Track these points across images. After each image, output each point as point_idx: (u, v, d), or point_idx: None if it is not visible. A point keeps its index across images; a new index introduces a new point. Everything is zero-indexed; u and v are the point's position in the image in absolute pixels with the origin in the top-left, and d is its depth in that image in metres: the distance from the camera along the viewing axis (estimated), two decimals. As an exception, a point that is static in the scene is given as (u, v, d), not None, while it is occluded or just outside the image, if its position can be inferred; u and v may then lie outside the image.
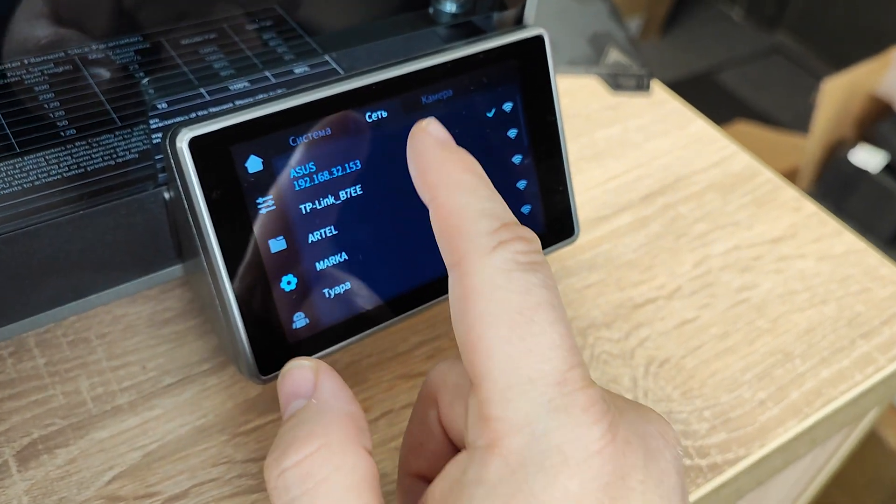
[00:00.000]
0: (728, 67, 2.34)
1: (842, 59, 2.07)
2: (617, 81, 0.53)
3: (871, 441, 1.08)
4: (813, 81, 2.17)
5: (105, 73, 0.33)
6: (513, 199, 0.34)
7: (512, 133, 0.33)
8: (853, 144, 1.50)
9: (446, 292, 0.33)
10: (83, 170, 0.29)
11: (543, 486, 0.20)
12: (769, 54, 2.41)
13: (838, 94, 1.46)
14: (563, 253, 0.42)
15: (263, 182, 0.28)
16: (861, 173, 1.47)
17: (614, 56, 0.55)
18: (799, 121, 2.09)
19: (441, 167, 0.24)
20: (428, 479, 0.26)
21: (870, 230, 1.44)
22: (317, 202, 0.29)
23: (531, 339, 0.21)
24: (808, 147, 1.49)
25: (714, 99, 2.22)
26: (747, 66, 2.36)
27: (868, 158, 1.47)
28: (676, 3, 2.41)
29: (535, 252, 0.23)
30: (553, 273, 0.23)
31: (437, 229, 0.24)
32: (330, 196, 0.30)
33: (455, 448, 0.26)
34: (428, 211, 0.31)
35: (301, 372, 0.25)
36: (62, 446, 0.32)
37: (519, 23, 0.35)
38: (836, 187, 1.49)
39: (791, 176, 1.52)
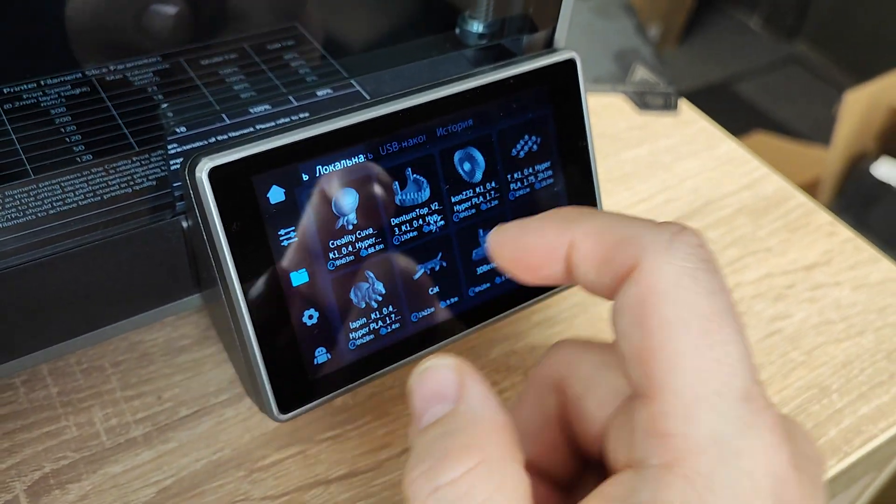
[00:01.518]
0: (746, 77, 2.33)
1: (862, 70, 2.04)
2: (644, 100, 0.52)
3: None
4: (832, 92, 2.15)
5: (123, 96, 0.32)
6: (542, 228, 0.33)
7: (542, 160, 0.32)
8: (875, 157, 1.48)
9: (473, 325, 0.32)
10: (100, 198, 0.28)
11: None
12: (788, 64, 2.39)
13: (860, 107, 1.44)
14: (591, 280, 0.41)
15: (286, 213, 0.27)
16: (883, 187, 1.45)
17: (641, 73, 0.54)
18: (818, 132, 2.07)
19: (556, 217, 0.22)
20: (529, 469, 0.23)
21: (892, 245, 1.41)
22: (341, 235, 0.28)
23: (721, 347, 0.19)
24: (830, 160, 1.47)
25: (732, 109, 2.20)
26: (766, 75, 2.34)
27: (890, 172, 1.45)
28: (694, 12, 2.39)
29: (706, 244, 0.20)
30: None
31: (591, 262, 0.21)
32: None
33: (571, 443, 0.23)
34: (452, 241, 0.29)
35: (443, 373, 0.21)
36: (74, 481, 0.31)
37: (549, 45, 0.34)
38: (857, 201, 1.47)
39: (811, 188, 1.50)
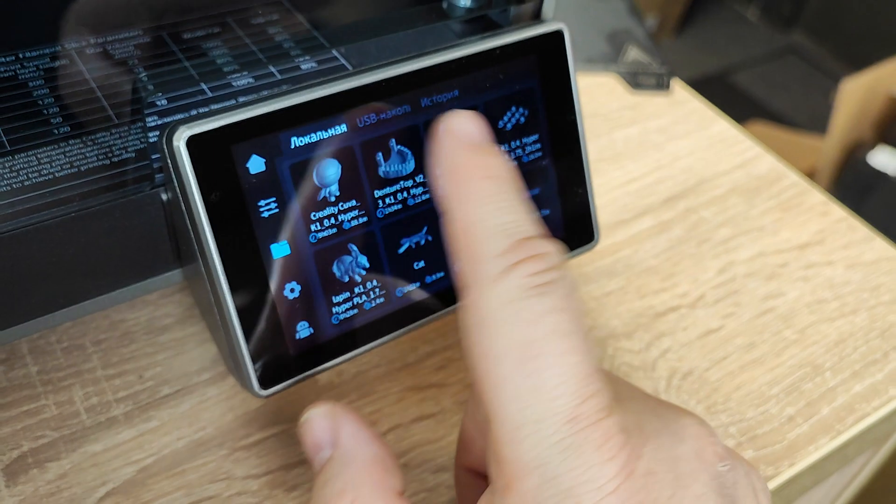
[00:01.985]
0: (743, 68, 2.32)
1: (858, 60, 2.04)
2: (636, 80, 0.51)
3: None
4: (829, 82, 2.14)
5: (103, 69, 0.31)
6: (529, 202, 0.32)
7: (529, 132, 0.32)
8: (872, 146, 1.47)
9: (458, 300, 0.31)
10: (76, 169, 0.28)
11: None
12: (785, 55, 2.38)
13: (857, 95, 1.43)
14: (582, 259, 0.40)
15: (266, 184, 0.27)
16: (880, 175, 1.44)
17: (633, 54, 0.53)
18: (815, 122, 2.07)
19: (459, 174, 0.23)
20: (479, 474, 0.26)
21: (889, 233, 1.41)
22: (323, 206, 0.28)
23: (537, 375, 0.20)
24: (826, 148, 1.47)
25: (729, 99, 2.19)
26: (763, 66, 2.33)
27: (887, 160, 1.44)
28: (691, 2, 2.38)
29: (551, 269, 0.21)
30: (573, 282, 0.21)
31: (450, 247, 0.22)
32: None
33: None
34: (438, 215, 0.29)
35: (318, 422, 0.24)
36: (53, 460, 0.30)
37: (537, 17, 0.33)
38: (854, 189, 1.47)
39: (809, 177, 1.50)
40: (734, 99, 2.19)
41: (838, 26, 2.27)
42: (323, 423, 0.24)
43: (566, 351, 0.20)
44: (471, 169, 0.23)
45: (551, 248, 0.21)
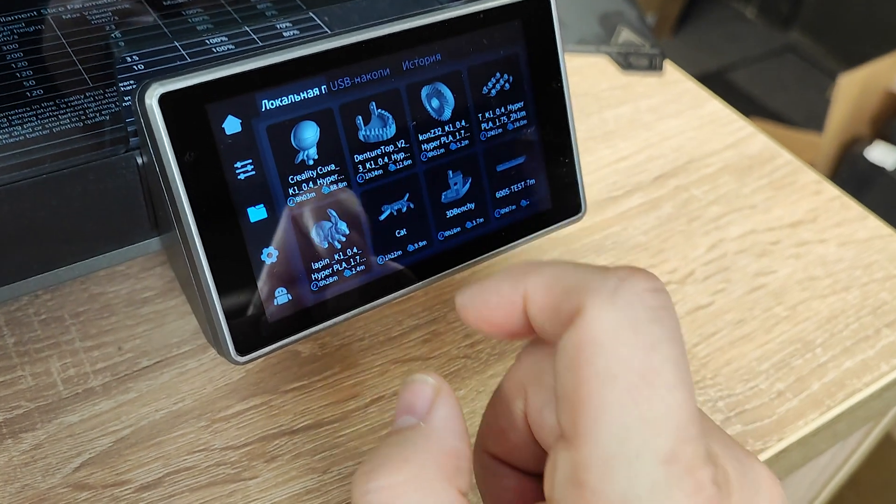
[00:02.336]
0: (741, 66, 2.31)
1: (856, 59, 2.03)
2: (628, 60, 0.51)
3: (887, 443, 1.05)
4: (827, 81, 2.14)
5: (79, 34, 0.31)
6: (515, 173, 0.32)
7: (514, 100, 0.31)
8: (869, 141, 1.47)
9: (442, 270, 0.31)
10: (48, 131, 0.27)
11: None
12: (782, 53, 2.38)
13: (854, 91, 1.43)
14: (570, 234, 0.40)
15: (242, 145, 0.26)
16: (877, 170, 1.44)
17: (626, 36, 0.52)
18: (812, 120, 2.06)
19: (510, 273, 0.22)
20: (505, 463, 0.25)
21: (886, 229, 1.41)
22: (301, 169, 0.27)
23: (647, 405, 0.18)
24: (823, 144, 1.46)
25: (727, 97, 2.18)
26: (760, 64, 2.33)
27: (884, 156, 1.44)
28: (689, 1, 2.38)
29: (662, 291, 0.20)
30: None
31: (543, 312, 0.21)
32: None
33: (538, 445, 0.24)
34: (420, 181, 0.29)
35: (422, 387, 0.23)
36: (28, 430, 0.30)
37: (523, -16, 0.33)
38: (851, 184, 1.46)
39: (805, 174, 1.49)
40: (732, 97, 2.18)
41: (836, 25, 2.27)
42: (426, 390, 0.23)
43: (677, 385, 0.19)
44: (513, 269, 0.22)
45: (647, 271, 0.21)
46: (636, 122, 0.47)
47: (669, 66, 0.52)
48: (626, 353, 0.19)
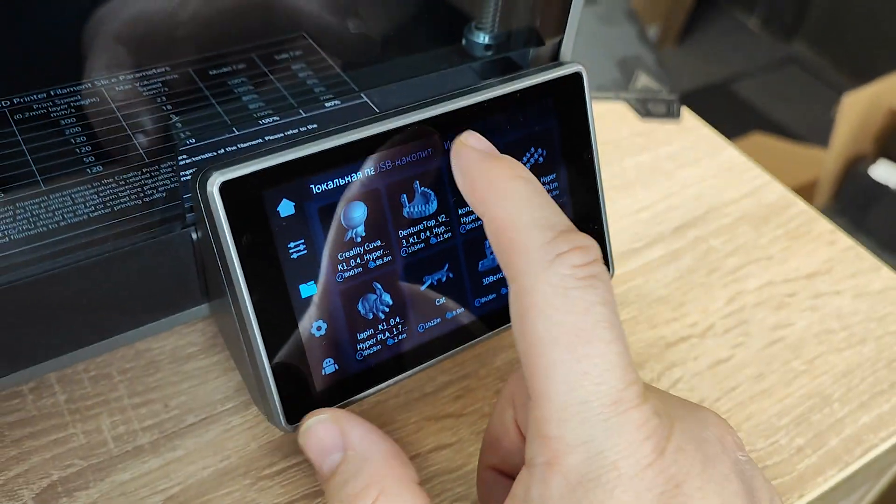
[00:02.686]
0: (744, 77, 2.33)
1: (860, 71, 2.05)
2: (646, 107, 0.52)
3: None
4: (830, 93, 2.15)
5: (132, 106, 0.32)
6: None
7: (547, 172, 0.32)
8: (873, 159, 1.48)
9: (478, 335, 0.32)
10: (110, 209, 0.29)
11: (601, 500, 0.21)
12: (786, 65, 2.39)
13: (859, 108, 1.44)
14: (594, 288, 0.41)
15: (295, 226, 0.27)
16: (881, 188, 1.45)
17: (643, 81, 0.54)
18: (815, 133, 2.07)
19: (488, 178, 0.24)
20: (503, 473, 0.28)
21: (890, 247, 1.42)
22: (349, 247, 0.28)
23: (587, 360, 0.21)
24: (828, 161, 1.48)
25: (730, 109, 2.20)
26: (764, 76, 2.34)
27: (889, 174, 1.45)
28: (693, 11, 2.39)
29: (594, 263, 0.22)
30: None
31: (492, 243, 0.24)
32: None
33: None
34: (459, 253, 0.30)
35: (324, 427, 0.26)
36: (82, 489, 0.31)
37: (555, 57, 0.34)
38: (855, 202, 1.47)
39: (809, 190, 1.50)
40: (735, 109, 2.20)
41: (840, 37, 2.28)
42: (329, 428, 0.25)
43: (612, 339, 0.22)
44: (499, 170, 0.24)
45: (590, 242, 0.23)
46: (656, 171, 0.49)
47: (687, 113, 0.53)
48: (561, 317, 0.22)
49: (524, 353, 0.22)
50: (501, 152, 0.31)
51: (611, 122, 0.52)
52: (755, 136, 1.69)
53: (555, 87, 0.32)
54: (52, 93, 0.32)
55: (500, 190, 0.24)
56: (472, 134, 0.26)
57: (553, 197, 0.33)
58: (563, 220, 0.23)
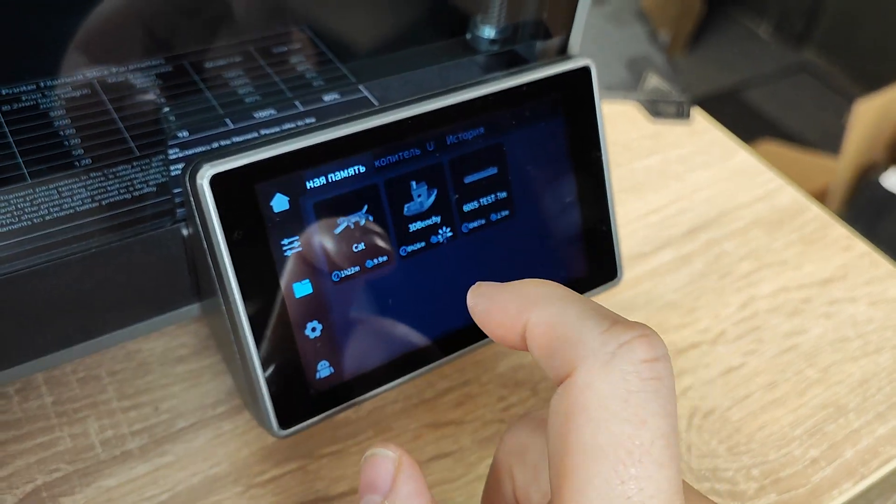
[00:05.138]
0: (754, 85, 2.31)
1: (871, 79, 2.03)
2: (656, 108, 0.51)
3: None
4: (841, 101, 2.13)
5: (124, 99, 0.31)
6: (554, 239, 0.32)
7: (555, 169, 0.31)
8: (885, 168, 1.47)
9: (478, 340, 0.31)
10: (97, 203, 0.27)
11: None
12: (796, 72, 2.37)
13: (871, 117, 1.42)
14: (603, 293, 0.40)
15: (289, 222, 0.26)
16: (893, 198, 1.43)
17: (653, 81, 0.53)
18: (826, 141, 2.06)
19: (519, 295, 0.22)
20: None
21: (901, 256, 1.40)
22: (346, 245, 0.27)
23: (633, 483, 0.18)
24: (839, 169, 1.46)
25: (740, 116, 2.19)
26: (774, 83, 2.33)
27: (900, 183, 1.43)
28: (703, 19, 2.38)
29: (661, 360, 0.19)
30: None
31: (539, 351, 0.21)
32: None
33: None
34: (461, 253, 0.29)
35: (383, 462, 0.23)
36: (67, 494, 0.30)
37: (563, 51, 0.33)
38: (866, 211, 1.46)
39: (820, 197, 1.49)
40: (745, 116, 2.18)
41: (851, 44, 2.26)
42: (387, 465, 0.23)
43: (664, 463, 0.19)
44: (525, 286, 0.22)
45: (653, 331, 0.20)
46: (666, 174, 0.47)
47: (698, 115, 0.52)
48: (616, 427, 0.18)
49: (558, 454, 0.19)
50: (506, 149, 0.30)
51: (620, 124, 0.50)
52: (766, 144, 1.68)
53: (562, 81, 0.31)
54: (41, 84, 0.31)
55: (536, 296, 0.21)
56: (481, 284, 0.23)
57: (560, 196, 0.32)
58: (613, 312, 0.20)
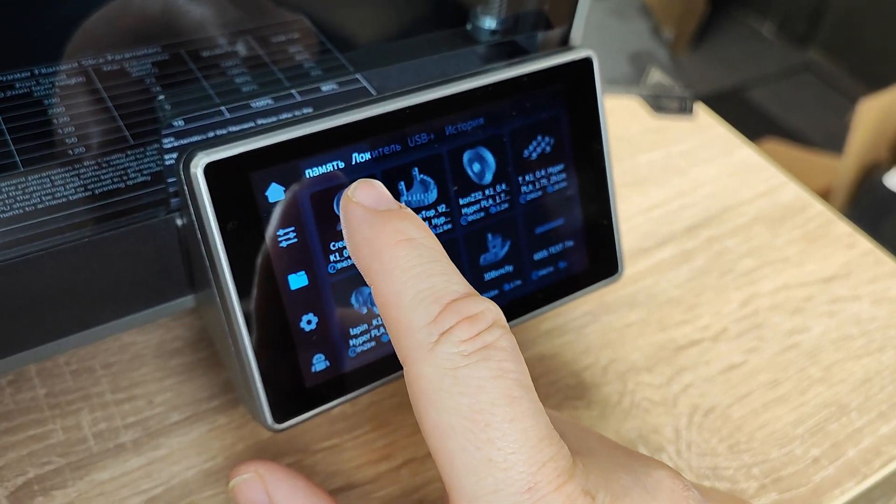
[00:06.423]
0: (758, 84, 2.31)
1: (874, 78, 2.02)
2: (659, 103, 0.50)
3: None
4: (844, 100, 2.13)
5: (119, 87, 0.30)
6: (553, 235, 0.31)
7: (555, 162, 0.31)
8: (888, 167, 1.46)
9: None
10: (91, 192, 0.27)
11: None
12: (800, 72, 2.37)
13: (874, 116, 1.42)
14: (603, 288, 0.39)
15: (285, 213, 0.26)
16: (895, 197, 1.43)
17: (656, 76, 0.52)
18: (829, 140, 2.05)
19: (373, 245, 0.22)
20: None
21: (904, 256, 1.39)
22: (343, 236, 0.27)
23: (489, 445, 0.19)
24: (842, 169, 1.45)
25: (743, 116, 2.18)
26: (777, 83, 2.32)
27: (904, 182, 1.43)
28: (706, 18, 2.37)
29: (485, 331, 0.20)
30: (518, 342, 0.21)
31: (382, 318, 0.22)
32: (357, 229, 0.27)
33: None
34: (459, 245, 0.29)
35: (249, 486, 0.24)
36: (59, 488, 0.29)
37: (564, 43, 0.33)
38: (870, 210, 1.45)
39: (823, 197, 1.48)
40: (749, 115, 2.18)
41: (854, 44, 2.25)
42: (253, 486, 0.24)
43: (515, 417, 0.19)
44: (382, 237, 0.21)
45: (482, 307, 0.20)
46: (669, 169, 0.47)
47: (701, 110, 0.51)
48: (451, 402, 0.19)
49: (428, 444, 0.20)
50: (506, 140, 0.30)
51: (622, 118, 0.50)
52: (769, 143, 1.67)
53: (564, 72, 0.30)
54: (35, 72, 0.30)
55: (383, 260, 0.21)
56: (361, 184, 0.23)
57: (560, 189, 0.31)
58: (453, 287, 0.21)
